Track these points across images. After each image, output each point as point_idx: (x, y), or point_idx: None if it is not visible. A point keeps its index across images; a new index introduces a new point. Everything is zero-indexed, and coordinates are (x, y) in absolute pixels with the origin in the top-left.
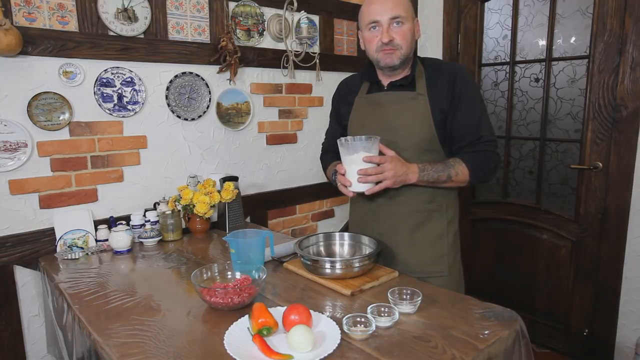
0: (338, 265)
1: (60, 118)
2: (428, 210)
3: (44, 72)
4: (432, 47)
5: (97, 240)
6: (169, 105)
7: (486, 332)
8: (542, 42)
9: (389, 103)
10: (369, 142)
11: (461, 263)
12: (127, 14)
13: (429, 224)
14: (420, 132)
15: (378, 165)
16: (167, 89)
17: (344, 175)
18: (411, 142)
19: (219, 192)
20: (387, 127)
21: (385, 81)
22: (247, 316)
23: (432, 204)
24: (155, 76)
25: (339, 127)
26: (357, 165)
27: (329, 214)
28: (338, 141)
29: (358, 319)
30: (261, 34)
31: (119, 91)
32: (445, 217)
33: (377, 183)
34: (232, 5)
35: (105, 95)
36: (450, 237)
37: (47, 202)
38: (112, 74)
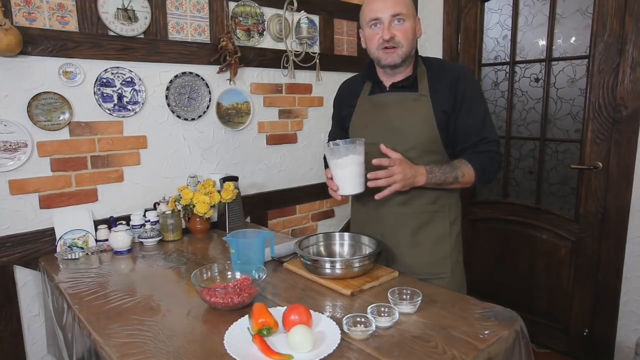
0: (338, 265)
1: (60, 118)
2: (430, 211)
3: (44, 72)
4: (432, 47)
5: (97, 240)
6: (169, 105)
7: (486, 332)
8: (542, 42)
9: (391, 104)
10: (352, 144)
11: (463, 264)
12: (127, 14)
13: (432, 225)
14: (423, 133)
15: (387, 167)
16: (167, 89)
17: (331, 179)
18: (414, 143)
19: (219, 192)
20: (389, 129)
21: (387, 82)
22: (247, 316)
23: (434, 205)
24: (155, 76)
25: (339, 129)
26: (342, 169)
27: (329, 214)
28: (324, 146)
29: (358, 319)
30: (261, 34)
31: (119, 91)
32: (447, 218)
33: (365, 186)
34: (232, 5)
35: (105, 95)
36: (453, 238)
37: (47, 202)
38: (112, 74)
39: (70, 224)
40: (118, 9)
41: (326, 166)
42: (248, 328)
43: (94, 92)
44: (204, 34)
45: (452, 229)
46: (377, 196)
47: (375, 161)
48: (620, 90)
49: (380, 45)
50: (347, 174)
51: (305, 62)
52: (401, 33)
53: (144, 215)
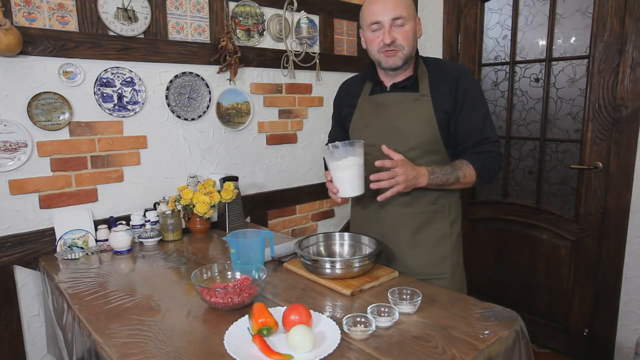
0: (338, 265)
1: (60, 118)
2: (431, 211)
3: (44, 72)
4: (432, 47)
5: (97, 240)
6: (169, 105)
7: (486, 332)
8: (542, 42)
9: (392, 104)
10: (351, 146)
11: (463, 265)
12: (127, 14)
13: (432, 225)
14: (424, 133)
15: (390, 169)
16: (167, 89)
17: (331, 182)
18: (415, 143)
19: (219, 192)
20: (390, 129)
21: (387, 82)
22: (247, 316)
23: (435, 205)
24: (155, 76)
25: (339, 129)
26: (341, 171)
27: (329, 214)
28: (322, 149)
29: (358, 319)
30: (261, 34)
31: (119, 91)
32: (448, 219)
33: (365, 188)
34: (232, 5)
35: (105, 95)
36: (453, 238)
37: (47, 202)
38: (112, 74)
39: (70, 224)
40: (118, 8)
41: (326, 168)
42: (248, 328)
43: (94, 92)
44: (204, 34)
45: (453, 229)
46: (380, 198)
47: (378, 163)
48: (620, 90)
49: (381, 49)
50: (347, 177)
51: (305, 62)
52: (402, 36)
53: (144, 215)
